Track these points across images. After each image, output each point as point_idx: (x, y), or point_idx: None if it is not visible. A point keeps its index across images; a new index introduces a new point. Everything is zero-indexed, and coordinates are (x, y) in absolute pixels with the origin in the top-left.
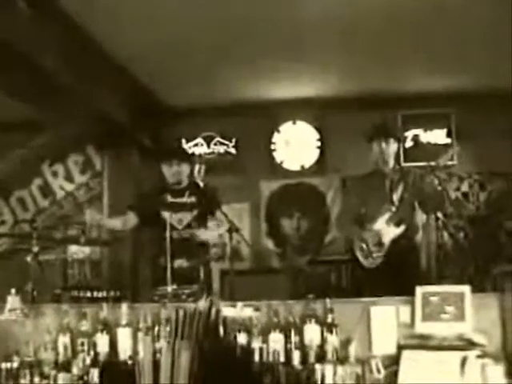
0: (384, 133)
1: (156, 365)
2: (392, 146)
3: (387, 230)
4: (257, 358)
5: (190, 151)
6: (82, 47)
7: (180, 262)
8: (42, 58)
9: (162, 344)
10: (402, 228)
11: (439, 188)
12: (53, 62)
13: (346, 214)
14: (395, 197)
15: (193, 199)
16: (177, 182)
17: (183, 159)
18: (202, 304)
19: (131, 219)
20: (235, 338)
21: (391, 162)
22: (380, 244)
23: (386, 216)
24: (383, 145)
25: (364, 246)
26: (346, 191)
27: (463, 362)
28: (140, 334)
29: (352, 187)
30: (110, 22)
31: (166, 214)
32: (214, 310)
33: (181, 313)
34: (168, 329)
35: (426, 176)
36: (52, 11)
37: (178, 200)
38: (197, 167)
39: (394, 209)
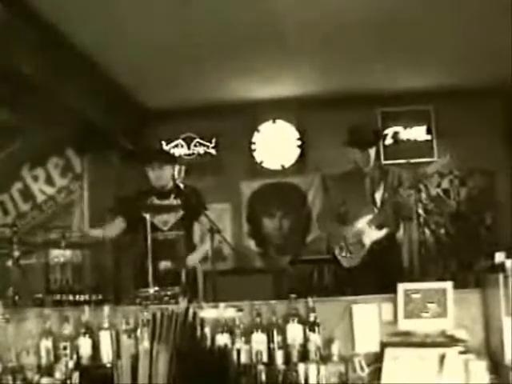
0: (362, 140)
1: (134, 368)
2: (371, 152)
3: (368, 232)
4: (238, 358)
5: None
6: (60, 49)
7: (165, 264)
8: (18, 60)
9: (144, 346)
10: (383, 232)
11: (411, 197)
12: (30, 64)
13: (326, 212)
14: (378, 197)
15: (178, 201)
16: (162, 185)
17: (167, 162)
18: (181, 306)
19: (117, 225)
20: (213, 339)
21: (372, 162)
22: (360, 244)
23: (368, 217)
24: (369, 150)
25: (343, 245)
26: (326, 190)
27: (441, 359)
28: (122, 337)
29: (332, 186)
30: (88, 23)
31: (147, 216)
32: (191, 312)
33: (158, 316)
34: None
35: (405, 175)
36: (27, 12)
37: (164, 202)
38: (176, 169)
39: (376, 211)
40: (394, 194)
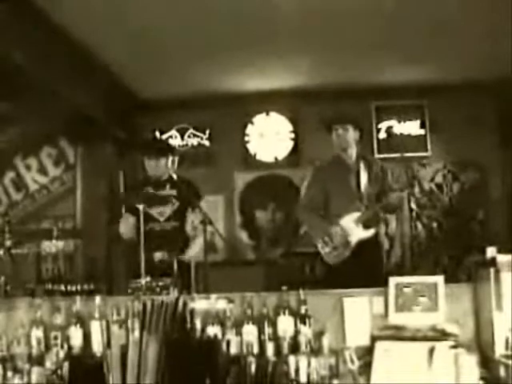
0: (340, 120)
1: (124, 358)
2: (351, 133)
3: (355, 230)
4: (229, 349)
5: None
6: (54, 39)
7: (160, 255)
8: (11, 49)
9: (134, 336)
10: (371, 232)
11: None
12: (24, 55)
13: (309, 204)
14: (363, 191)
15: (174, 192)
16: (158, 175)
17: (164, 152)
18: (171, 296)
19: (127, 220)
20: (203, 330)
21: (351, 151)
22: (346, 242)
23: (355, 215)
24: (340, 131)
25: (327, 239)
26: (310, 181)
27: (432, 353)
28: (113, 327)
29: (315, 176)
30: (82, 14)
31: (140, 206)
32: (181, 302)
33: (148, 306)
34: None
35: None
36: (22, 5)
37: (160, 192)
38: (170, 159)
39: (363, 208)
40: (382, 193)
